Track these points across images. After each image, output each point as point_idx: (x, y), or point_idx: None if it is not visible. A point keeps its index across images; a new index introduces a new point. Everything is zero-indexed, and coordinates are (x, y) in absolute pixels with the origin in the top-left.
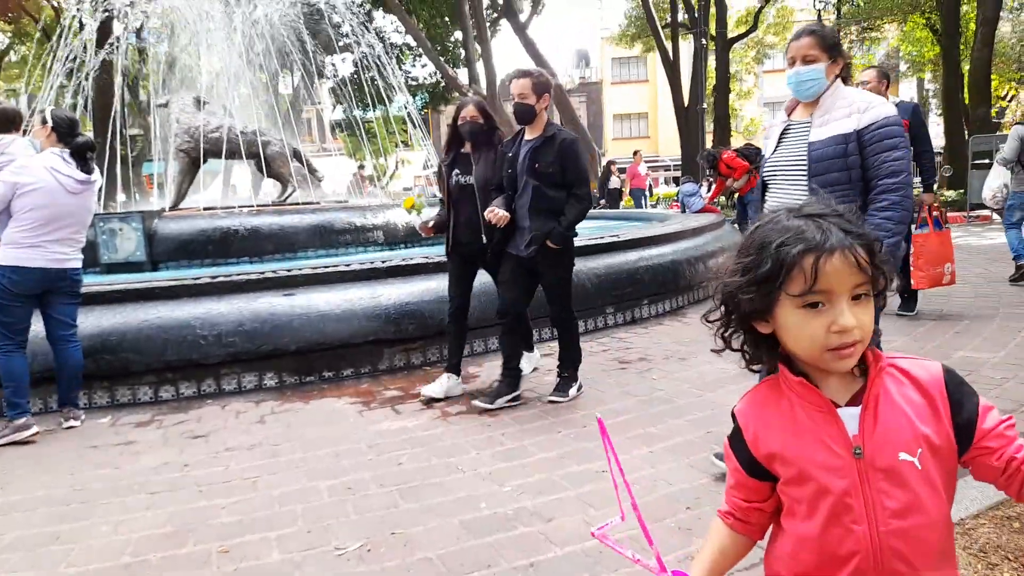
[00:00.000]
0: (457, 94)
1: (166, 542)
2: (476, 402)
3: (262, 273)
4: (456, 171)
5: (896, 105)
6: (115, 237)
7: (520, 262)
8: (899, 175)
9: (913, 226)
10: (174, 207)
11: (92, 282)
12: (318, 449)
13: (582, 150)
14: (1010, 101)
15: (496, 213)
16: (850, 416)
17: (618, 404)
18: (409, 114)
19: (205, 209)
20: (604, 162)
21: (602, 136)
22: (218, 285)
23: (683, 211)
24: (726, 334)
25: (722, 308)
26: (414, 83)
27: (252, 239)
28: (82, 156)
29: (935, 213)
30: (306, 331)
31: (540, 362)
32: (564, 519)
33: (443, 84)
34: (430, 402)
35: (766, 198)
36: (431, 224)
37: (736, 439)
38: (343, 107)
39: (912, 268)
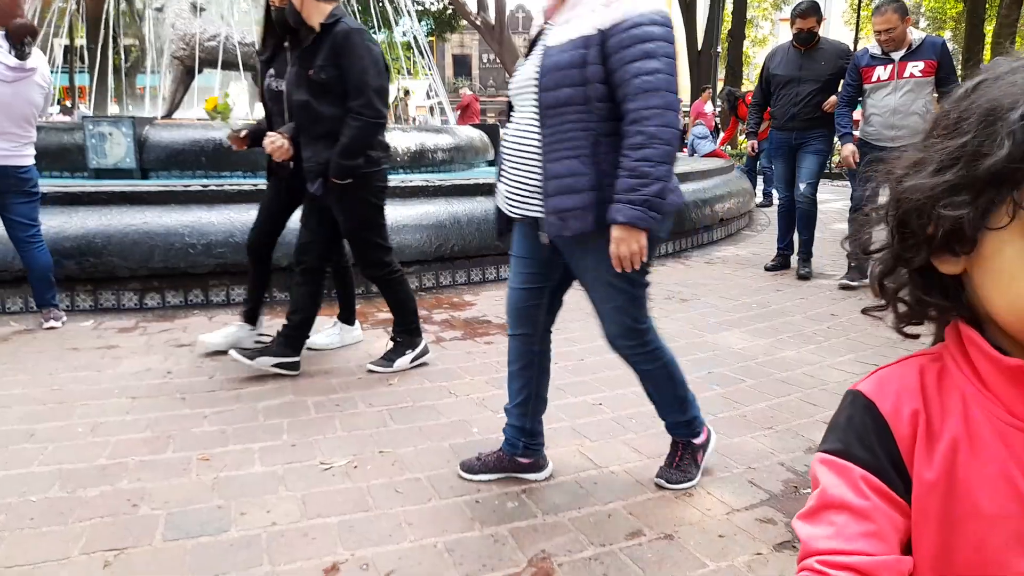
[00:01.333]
0: (465, 22)
1: (144, 447)
2: (233, 353)
3: (255, 185)
4: (271, 72)
5: (922, 41)
6: (104, 142)
7: (315, 200)
8: (654, 95)
9: None
10: (167, 116)
11: (79, 184)
12: (307, 364)
13: (368, 45)
14: None
15: (274, 142)
16: None
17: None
18: (416, 38)
19: (199, 120)
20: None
21: None
22: (209, 194)
23: (691, 154)
24: (889, 277)
25: (895, 230)
26: (420, 8)
27: (246, 152)
28: (19, 40)
29: None
30: None
31: (360, 338)
32: (558, 448)
33: (450, 10)
34: (423, 325)
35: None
36: (243, 134)
37: (861, 436)
38: None
39: None
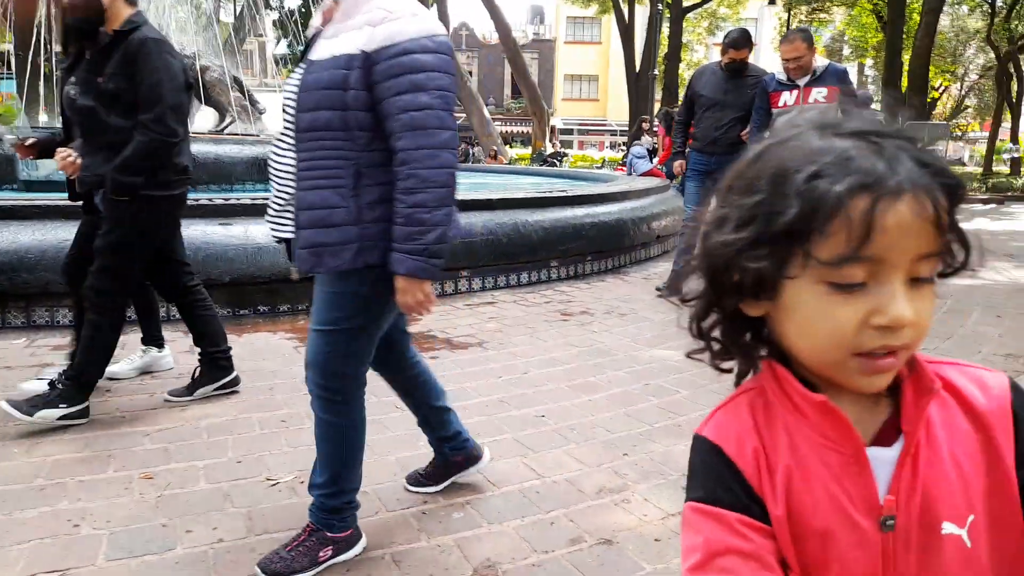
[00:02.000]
0: None
1: (83, 467)
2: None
3: (197, 200)
4: (72, 80)
5: (826, 68)
6: None
7: (95, 215)
8: (423, 134)
9: None
10: None
11: (10, 197)
12: (251, 381)
13: (166, 57)
14: (943, 93)
15: (65, 157)
16: (881, 464)
17: (559, 353)
18: None
19: None
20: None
21: (552, 95)
22: None
23: (629, 173)
24: (705, 320)
25: (706, 281)
26: None
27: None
28: None
29: None
30: (242, 263)
31: (166, 365)
32: (501, 461)
33: None
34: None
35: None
36: (29, 143)
37: (718, 480)
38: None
39: None
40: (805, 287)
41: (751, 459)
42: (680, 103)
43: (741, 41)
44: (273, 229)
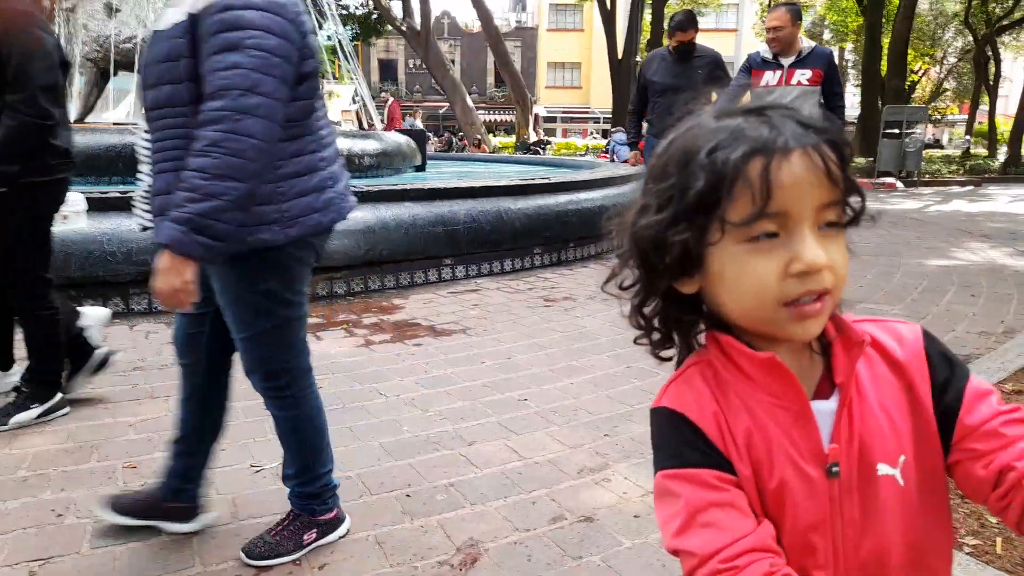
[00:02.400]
0: (390, 27)
1: (67, 458)
2: None
3: None
4: None
5: (812, 50)
6: None
7: None
8: (227, 96)
9: None
10: (80, 120)
11: None
12: (234, 370)
13: (38, 34)
14: (922, 76)
15: None
16: (821, 416)
17: (542, 338)
18: (340, 43)
19: (115, 124)
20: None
21: (535, 83)
22: (127, 201)
23: (611, 160)
24: (646, 307)
25: (639, 266)
26: (344, 12)
27: None
28: None
29: None
30: None
31: (13, 384)
32: (485, 444)
33: (375, 15)
34: (352, 329)
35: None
36: None
37: (686, 444)
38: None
39: None
40: (726, 250)
41: (713, 422)
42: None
43: (686, 23)
44: (138, 217)
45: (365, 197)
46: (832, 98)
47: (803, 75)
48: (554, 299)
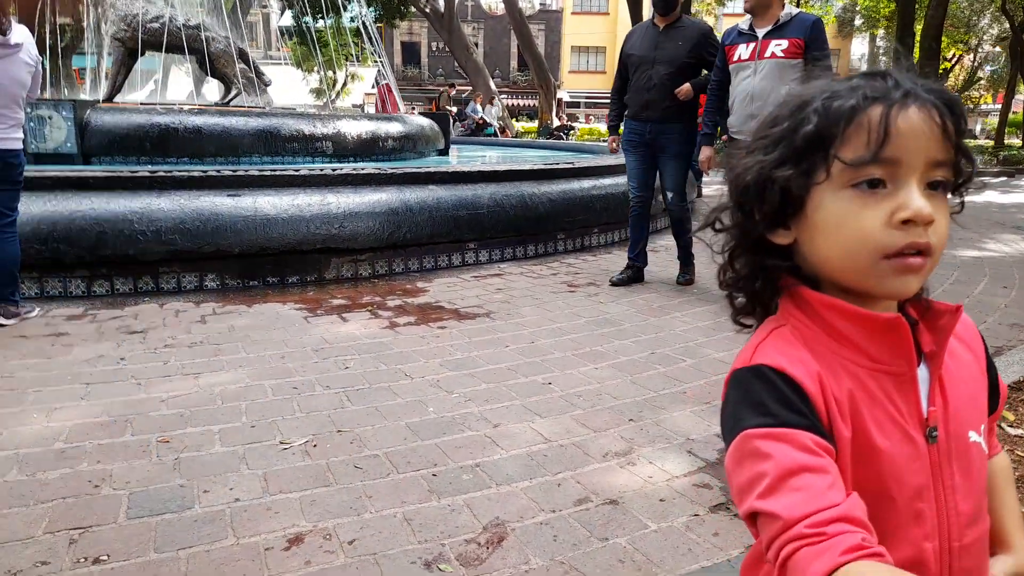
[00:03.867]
0: (414, 8)
1: (102, 431)
2: None
3: (205, 171)
4: None
5: (792, 17)
6: (44, 125)
7: None
8: None
9: None
10: (108, 99)
11: None
12: (262, 350)
13: None
14: (955, 64)
15: None
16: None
17: (566, 323)
18: (364, 24)
19: (143, 104)
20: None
21: (559, 68)
22: (158, 180)
23: None
24: (736, 262)
25: (737, 208)
26: None
27: (192, 139)
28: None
29: None
30: (251, 234)
31: None
32: (510, 425)
33: None
34: (377, 311)
35: None
36: None
37: (786, 404)
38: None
39: None
40: (830, 194)
41: (816, 382)
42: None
43: (665, 6)
44: None
45: (389, 179)
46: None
47: (778, 46)
48: (578, 284)
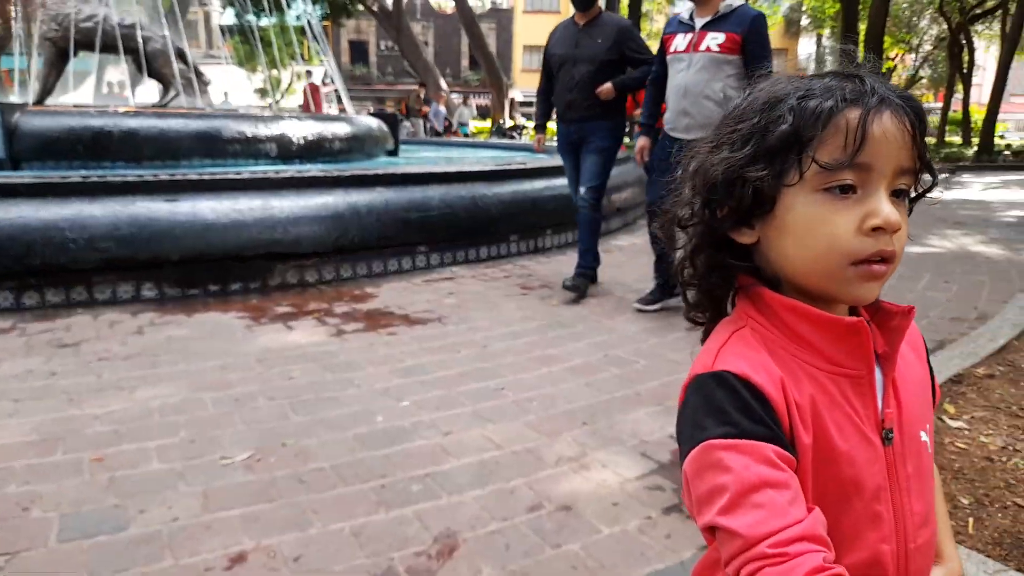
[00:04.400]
0: (361, 6)
1: (31, 450)
2: None
3: (141, 176)
4: None
5: (734, 10)
6: None
7: None
8: None
9: None
10: (39, 102)
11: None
12: (202, 361)
13: None
14: (898, 64)
15: None
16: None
17: (519, 327)
18: (309, 23)
19: (75, 107)
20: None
21: (511, 67)
22: (89, 185)
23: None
24: (698, 259)
25: (702, 206)
26: None
27: (128, 142)
28: None
29: None
30: (190, 240)
31: None
32: (462, 433)
33: None
34: (324, 319)
35: None
36: None
37: (747, 412)
38: (235, 10)
39: None
40: (802, 197)
41: (779, 389)
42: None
43: (581, 2)
44: None
45: (335, 182)
46: (756, 69)
47: (714, 40)
48: (531, 287)
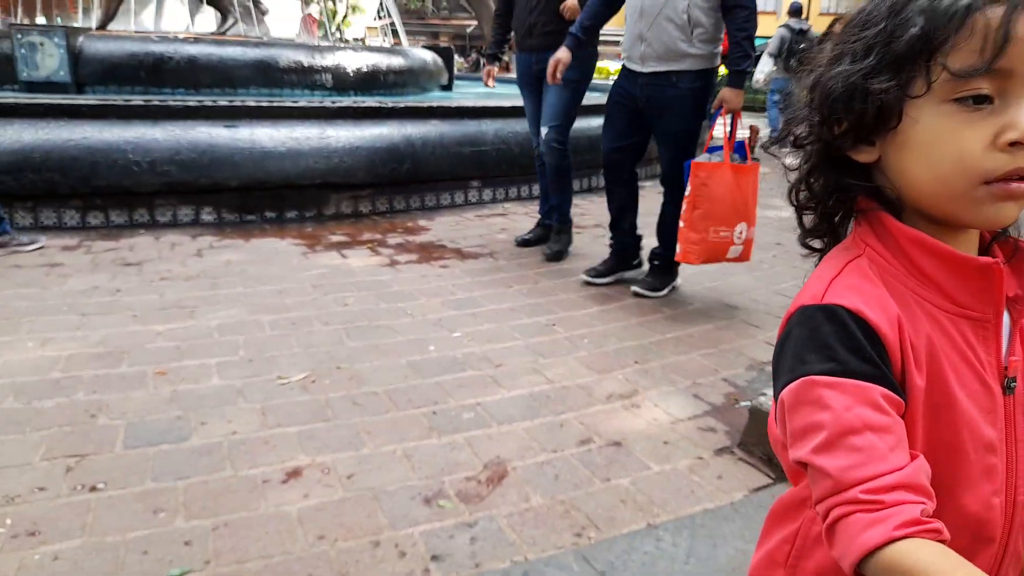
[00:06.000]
0: None
1: (98, 362)
2: None
3: (200, 101)
4: None
5: None
6: (35, 52)
7: None
8: None
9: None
10: (101, 27)
11: (11, 96)
12: (260, 285)
13: None
14: None
15: None
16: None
17: (571, 264)
18: None
19: (137, 32)
20: None
21: None
22: (152, 109)
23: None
24: (814, 180)
25: (820, 122)
26: None
27: (188, 69)
28: None
29: (744, 132)
30: (248, 167)
31: None
32: (512, 365)
33: None
34: (377, 249)
35: None
36: None
37: (857, 350)
38: None
39: (681, 223)
40: (928, 109)
41: (894, 328)
42: None
43: None
44: None
45: (390, 113)
46: (732, 4)
47: None
48: (584, 226)
